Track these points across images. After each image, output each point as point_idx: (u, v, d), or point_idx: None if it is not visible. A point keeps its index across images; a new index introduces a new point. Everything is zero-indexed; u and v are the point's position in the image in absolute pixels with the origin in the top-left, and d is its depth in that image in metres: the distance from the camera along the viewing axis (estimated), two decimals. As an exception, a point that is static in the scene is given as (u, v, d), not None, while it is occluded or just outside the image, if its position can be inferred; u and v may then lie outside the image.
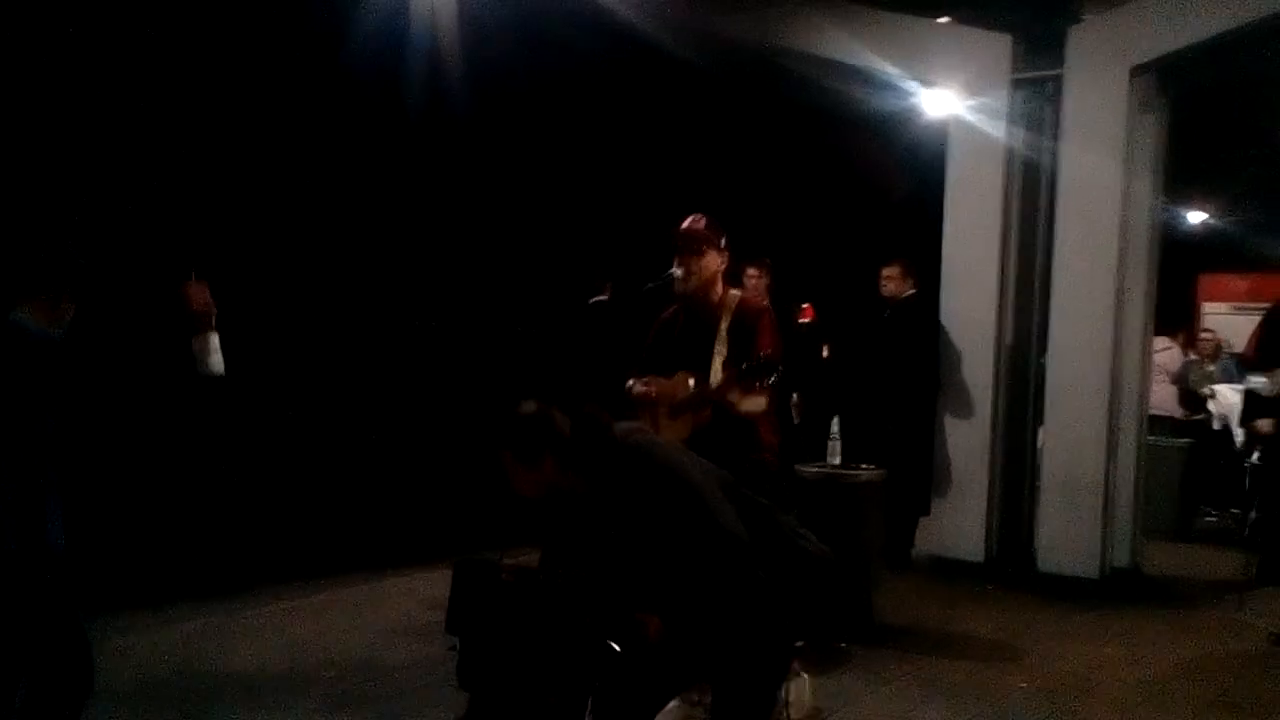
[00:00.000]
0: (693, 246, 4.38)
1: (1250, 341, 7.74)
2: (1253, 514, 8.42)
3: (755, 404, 4.23)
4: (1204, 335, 10.53)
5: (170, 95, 6.11)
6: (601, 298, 7.41)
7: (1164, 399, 9.72)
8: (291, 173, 6.69)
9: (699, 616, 2.93)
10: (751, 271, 6.86)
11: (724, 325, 4.36)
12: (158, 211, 6.00)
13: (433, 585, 6.41)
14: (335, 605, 6.16)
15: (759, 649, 2.99)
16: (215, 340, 3.10)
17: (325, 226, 6.95)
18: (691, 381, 4.29)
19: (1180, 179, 9.79)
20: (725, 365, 4.26)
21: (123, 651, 4.99)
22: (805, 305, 7.30)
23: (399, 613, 6.06)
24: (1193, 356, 10.27)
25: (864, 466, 5.92)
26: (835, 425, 5.94)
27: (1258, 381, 9.11)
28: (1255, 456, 8.45)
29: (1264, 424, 7.01)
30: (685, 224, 4.45)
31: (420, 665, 5.12)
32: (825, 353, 7.41)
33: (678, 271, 4.40)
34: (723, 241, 4.45)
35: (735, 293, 4.54)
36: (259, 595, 6.14)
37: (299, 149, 6.69)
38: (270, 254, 6.55)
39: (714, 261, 4.40)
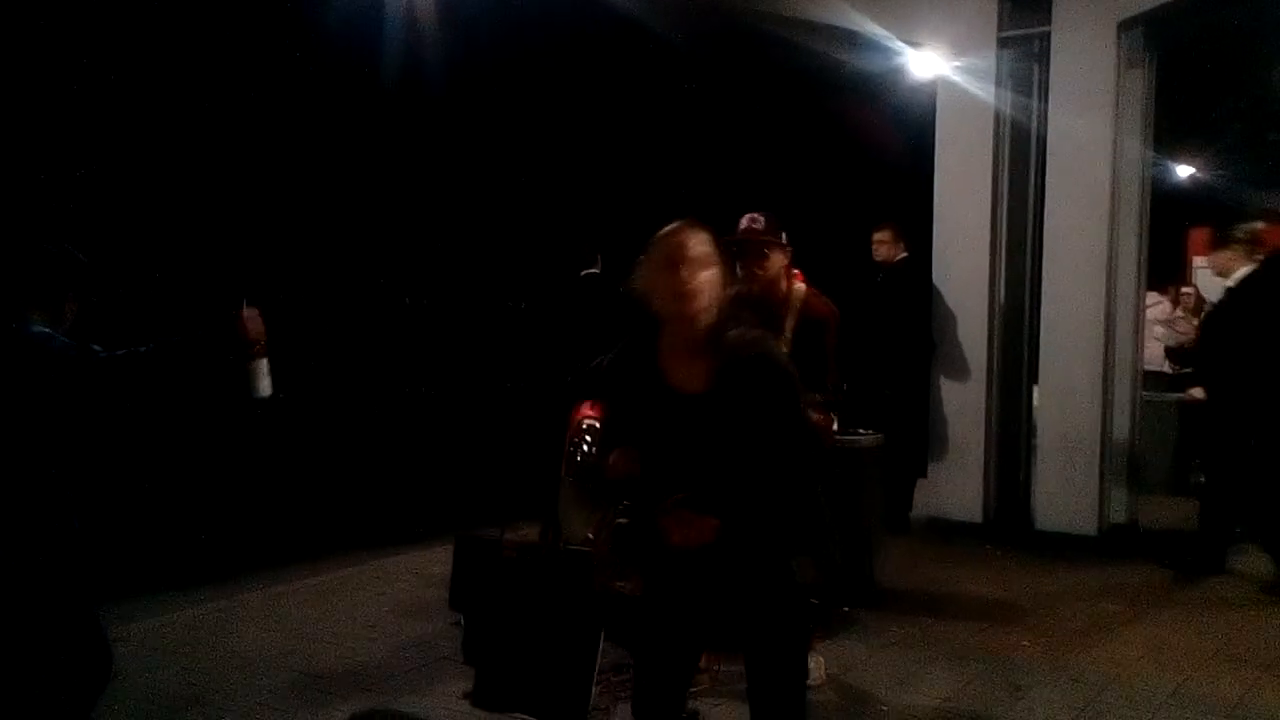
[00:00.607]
0: (757, 251, 4.17)
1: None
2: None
3: (823, 421, 4.09)
4: (1185, 290, 10.56)
5: (164, 89, 6.05)
6: (593, 270, 7.37)
7: (1156, 354, 9.73)
8: (280, 156, 6.63)
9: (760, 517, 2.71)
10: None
11: (789, 326, 4.20)
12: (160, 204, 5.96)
13: (432, 563, 6.42)
14: (335, 586, 6.15)
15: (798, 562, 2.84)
16: (266, 365, 3.19)
17: (319, 207, 6.89)
18: None
19: (1167, 133, 9.78)
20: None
21: (123, 638, 4.94)
22: (795, 271, 7.26)
23: (400, 591, 6.06)
24: (1179, 313, 10.29)
25: (863, 431, 5.91)
26: (833, 391, 5.93)
27: (1159, 331, 9.23)
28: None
29: (1196, 392, 7.03)
30: (744, 226, 4.21)
31: (425, 643, 5.14)
32: None
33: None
34: (784, 237, 4.26)
35: (800, 287, 4.31)
36: (258, 579, 6.12)
37: (286, 129, 6.63)
38: (266, 232, 6.51)
39: (779, 260, 4.23)
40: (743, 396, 2.63)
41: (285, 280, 6.72)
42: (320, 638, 5.26)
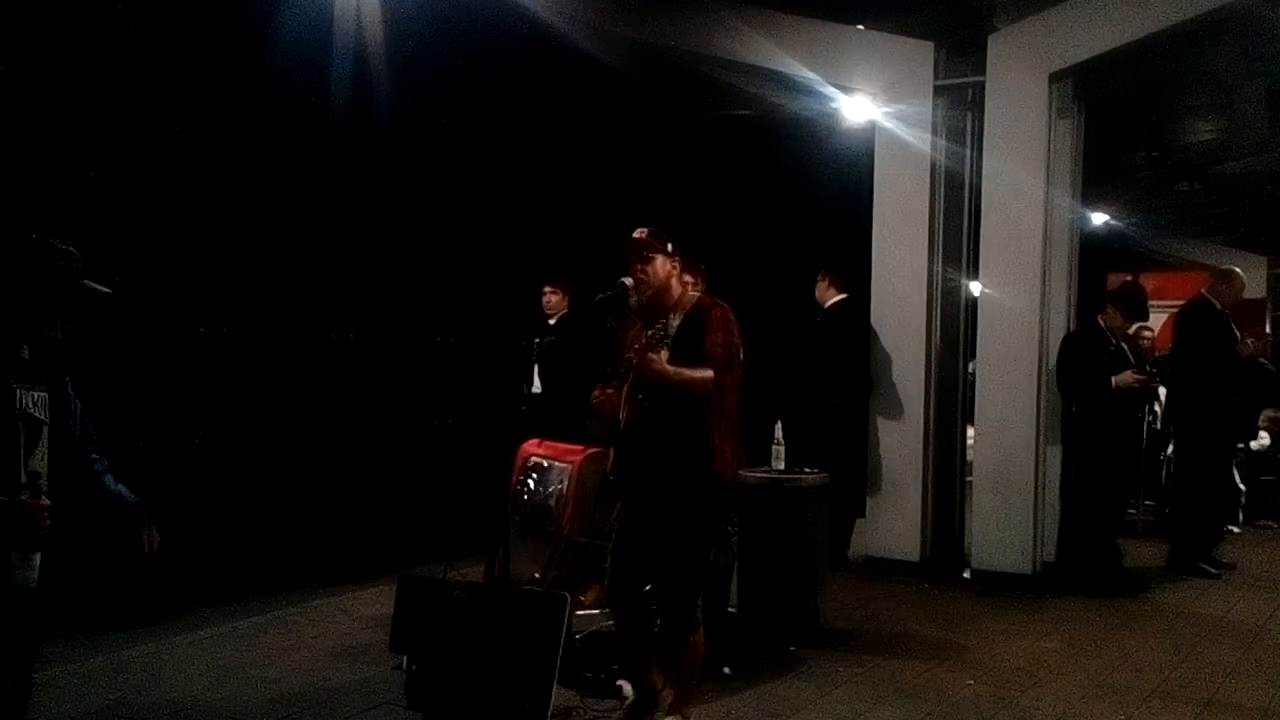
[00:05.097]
0: (640, 254, 4.28)
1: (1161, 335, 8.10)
2: (1166, 509, 8.76)
3: (699, 374, 4.04)
4: None
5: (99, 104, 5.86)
6: (564, 313, 7.36)
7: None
8: (216, 184, 6.47)
9: None
10: (686, 279, 6.82)
11: (675, 322, 4.28)
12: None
13: (367, 603, 6.28)
14: (269, 628, 5.95)
15: None
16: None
17: (258, 238, 6.72)
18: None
19: (1085, 181, 10.09)
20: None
21: (49, 683, 4.72)
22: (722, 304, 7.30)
23: (336, 633, 5.87)
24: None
25: (807, 470, 5.92)
26: (779, 430, 5.94)
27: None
28: (1169, 449, 8.78)
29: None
30: (635, 234, 4.38)
31: (364, 686, 4.97)
32: None
33: (629, 280, 4.33)
34: (669, 246, 4.35)
35: (694, 294, 4.41)
36: (188, 621, 5.88)
37: (223, 160, 6.47)
38: (200, 266, 6.34)
39: (663, 266, 4.29)
40: None
41: (222, 313, 6.57)
42: (253, 682, 5.06)
